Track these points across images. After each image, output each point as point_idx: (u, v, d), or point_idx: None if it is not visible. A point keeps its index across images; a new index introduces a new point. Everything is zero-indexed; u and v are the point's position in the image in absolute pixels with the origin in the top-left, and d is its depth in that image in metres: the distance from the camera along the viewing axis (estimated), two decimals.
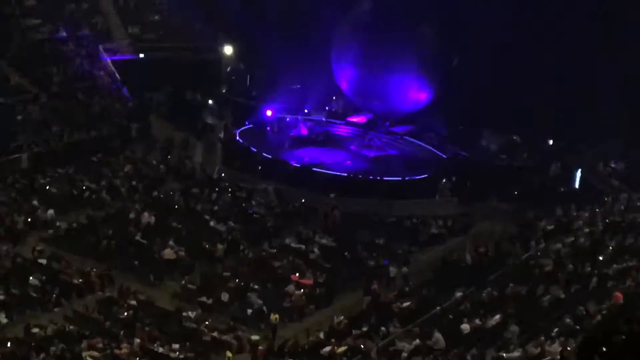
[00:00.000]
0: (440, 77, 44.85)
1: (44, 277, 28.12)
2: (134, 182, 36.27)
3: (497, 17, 39.42)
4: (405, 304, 26.57)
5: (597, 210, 31.67)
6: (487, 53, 40.64)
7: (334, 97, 49.36)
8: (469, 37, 41.90)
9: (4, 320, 26.09)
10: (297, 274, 29.69)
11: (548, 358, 18.98)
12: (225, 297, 28.00)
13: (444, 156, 42.14)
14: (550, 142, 42.46)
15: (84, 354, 23.31)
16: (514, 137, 42.97)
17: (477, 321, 23.29)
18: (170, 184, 37.64)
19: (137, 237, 31.14)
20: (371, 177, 38.89)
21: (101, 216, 33.05)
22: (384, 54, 43.45)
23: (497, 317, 23.13)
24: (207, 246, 31.24)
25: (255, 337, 25.65)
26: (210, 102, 49.83)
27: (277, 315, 26.56)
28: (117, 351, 23.70)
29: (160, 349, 24.23)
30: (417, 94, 45.00)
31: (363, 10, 45.56)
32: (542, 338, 20.20)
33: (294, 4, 48.08)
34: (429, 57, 44.14)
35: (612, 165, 38.71)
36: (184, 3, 51.72)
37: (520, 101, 40.69)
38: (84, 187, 35.22)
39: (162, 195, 35.66)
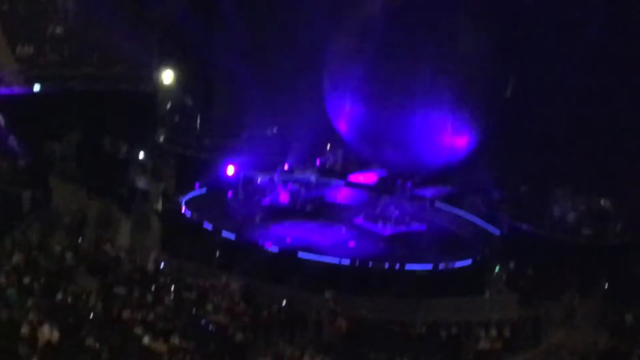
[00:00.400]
0: (488, 111, 45.54)
1: None
2: (26, 280, 36.31)
3: (579, 21, 40.63)
4: None
5: None
6: (561, 75, 41.45)
7: (328, 146, 49.97)
8: (535, 48, 42.72)
9: None
10: None
11: None
12: None
13: (497, 232, 42.48)
14: None
15: None
16: (602, 202, 43.41)
17: None
18: (82, 281, 37.69)
19: None
20: (388, 266, 39.14)
21: None
22: (403, 79, 44.17)
23: None
24: None
25: None
26: (141, 155, 50.29)
27: None
28: None
29: None
30: (453, 138, 45.61)
31: None
32: None
33: (266, 8, 48.90)
34: (471, 81, 44.85)
35: None
36: (101, 7, 52.47)
37: (610, 149, 41.39)
38: None
39: (69, 299, 35.66)
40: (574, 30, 41.12)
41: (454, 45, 44.94)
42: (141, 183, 48.14)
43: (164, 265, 39.41)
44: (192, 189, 45.85)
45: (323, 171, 48.77)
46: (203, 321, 34.77)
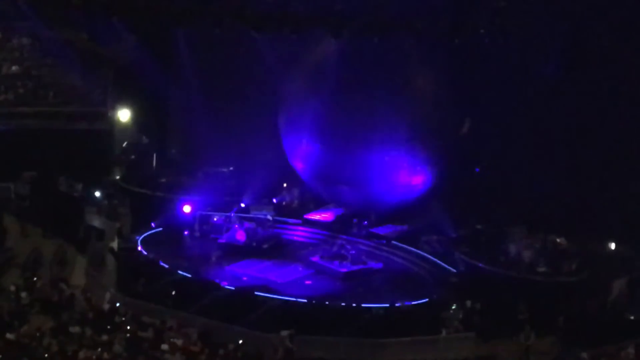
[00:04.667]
0: (443, 150, 45.88)
1: None
2: None
3: (528, 51, 41.17)
4: None
5: None
6: (514, 113, 41.90)
7: (284, 185, 50.07)
8: (486, 89, 43.15)
9: None
10: None
11: None
12: None
13: (453, 270, 42.66)
14: (612, 246, 43.28)
15: None
16: (558, 240, 43.71)
17: None
18: (35, 321, 37.45)
19: None
20: (344, 304, 39.12)
21: None
22: (359, 118, 44.44)
23: None
24: None
25: None
26: (96, 194, 50.12)
27: None
28: None
29: None
30: (409, 177, 45.90)
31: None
32: None
33: (221, 49, 49.02)
34: (425, 120, 45.18)
35: None
36: (56, 47, 52.51)
37: (564, 186, 41.83)
38: None
39: (23, 338, 35.42)
40: (527, 69, 41.64)
41: (409, 86, 45.42)
42: (96, 222, 47.95)
43: (120, 304, 39.20)
44: (148, 227, 45.71)
45: (280, 209, 48.75)
46: None
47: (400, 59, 45.16)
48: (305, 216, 48.35)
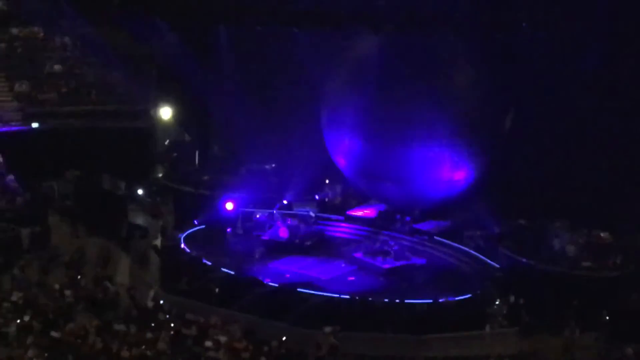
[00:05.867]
0: (485, 146, 45.79)
1: None
2: (25, 318, 36.35)
3: (570, 45, 41.00)
4: None
5: None
6: (558, 109, 41.71)
7: (327, 182, 50.12)
8: (528, 85, 43.00)
9: None
10: None
11: None
12: None
13: (496, 266, 42.60)
14: None
15: None
16: (602, 235, 43.51)
17: None
18: (81, 319, 37.71)
19: None
20: (387, 300, 39.19)
21: None
22: (400, 115, 44.44)
23: None
24: None
25: None
26: (139, 192, 50.41)
27: None
28: None
29: None
30: (451, 173, 45.84)
31: None
32: None
33: (262, 46, 49.15)
34: (467, 116, 45.10)
35: None
36: (98, 46, 52.84)
37: (608, 181, 41.62)
38: None
39: (68, 337, 35.66)
40: (569, 65, 41.45)
41: (450, 81, 45.33)
42: (140, 220, 48.25)
43: (163, 301, 39.43)
44: (191, 225, 45.93)
45: (322, 206, 48.81)
46: (203, 358, 34.83)
47: (440, 54, 45.11)
48: (348, 212, 48.41)
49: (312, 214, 47.01)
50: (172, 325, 36.69)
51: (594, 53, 41.05)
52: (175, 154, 54.43)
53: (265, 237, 45.00)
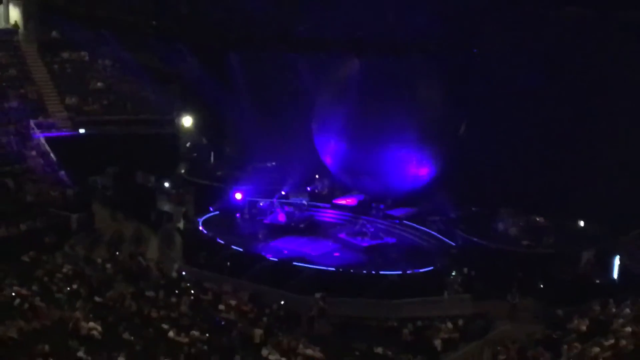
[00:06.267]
0: (444, 148, 45.82)
1: None
2: (74, 286, 36.28)
3: (514, 67, 41.05)
4: None
5: None
6: (503, 117, 41.72)
7: (317, 176, 50.09)
8: (479, 98, 43.04)
9: None
10: None
11: None
12: None
13: (453, 244, 42.60)
14: (582, 223, 43.11)
15: None
16: (538, 219, 43.57)
17: None
18: (119, 287, 37.65)
19: (80, 353, 31.01)
20: (365, 272, 39.18)
21: (35, 329, 32.88)
22: (376, 122, 44.41)
23: None
24: None
25: None
26: (166, 185, 50.33)
27: None
28: None
29: None
30: (417, 169, 45.86)
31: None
32: None
33: (266, 66, 49.12)
34: (430, 124, 45.12)
35: None
36: (133, 67, 52.80)
37: (543, 175, 41.68)
38: (13, 294, 35.10)
39: (108, 301, 35.63)
40: (514, 81, 41.44)
41: (417, 96, 45.39)
42: (166, 207, 48.17)
43: (185, 273, 39.42)
44: (208, 211, 45.90)
45: (313, 196, 48.79)
46: (217, 318, 34.78)
47: (410, 74, 45.09)
48: (334, 201, 48.36)
49: (304, 202, 46.97)
50: (192, 292, 36.70)
51: (535, 71, 41.07)
52: (194, 154, 54.34)
53: (267, 221, 44.95)
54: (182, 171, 52.71)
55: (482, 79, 42.30)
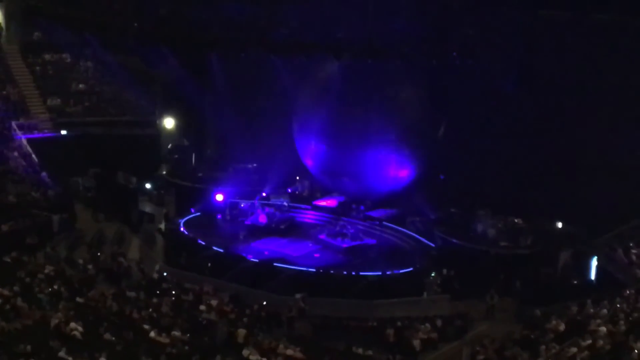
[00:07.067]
0: (424, 150, 45.88)
1: None
2: (56, 287, 36.08)
3: (491, 70, 41.20)
4: None
5: (618, 305, 32.08)
6: (481, 119, 41.84)
7: (297, 178, 50.05)
8: (458, 100, 43.16)
9: None
10: None
11: None
12: None
13: (432, 245, 42.64)
14: (559, 225, 43.25)
15: None
16: (516, 220, 43.68)
17: None
18: (100, 287, 37.49)
19: (62, 354, 30.84)
20: (345, 273, 39.12)
21: (16, 329, 32.69)
22: (356, 124, 44.45)
23: None
24: None
25: None
26: (147, 186, 50.19)
27: None
28: None
29: None
30: (397, 170, 45.91)
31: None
32: None
33: (246, 69, 49.04)
34: (410, 126, 45.17)
35: (635, 251, 39.27)
36: (114, 68, 52.64)
37: (521, 177, 41.82)
38: None
39: (90, 301, 35.46)
40: (489, 86, 41.69)
41: (396, 99, 45.45)
42: (148, 208, 48.04)
43: (166, 274, 39.28)
44: (189, 212, 45.79)
45: (294, 197, 48.74)
46: (198, 318, 34.64)
47: (389, 76, 45.13)
48: (314, 202, 48.33)
49: (285, 203, 46.89)
50: (173, 292, 36.58)
51: (509, 77, 41.29)
52: (176, 156, 54.14)
53: (247, 222, 44.92)
54: (164, 172, 52.62)
55: (460, 82, 42.40)
